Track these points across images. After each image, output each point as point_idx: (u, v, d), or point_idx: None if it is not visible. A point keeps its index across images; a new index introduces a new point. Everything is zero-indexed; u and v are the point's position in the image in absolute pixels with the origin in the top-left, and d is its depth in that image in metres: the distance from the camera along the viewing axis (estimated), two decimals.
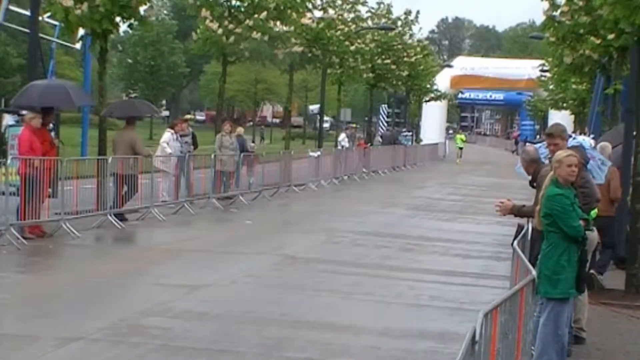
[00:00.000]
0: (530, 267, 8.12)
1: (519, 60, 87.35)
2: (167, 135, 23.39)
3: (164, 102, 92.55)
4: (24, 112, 17.18)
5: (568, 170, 8.34)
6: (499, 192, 33.20)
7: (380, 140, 53.92)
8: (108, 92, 22.47)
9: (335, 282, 13.47)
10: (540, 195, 8.43)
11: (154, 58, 78.35)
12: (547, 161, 9.87)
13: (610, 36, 18.49)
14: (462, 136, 68.57)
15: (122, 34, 65.89)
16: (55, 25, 26.05)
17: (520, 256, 8.74)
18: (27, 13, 22.08)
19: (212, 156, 24.00)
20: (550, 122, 46.78)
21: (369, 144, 47.26)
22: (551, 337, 8.28)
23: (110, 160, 18.87)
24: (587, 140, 12.09)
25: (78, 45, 27.45)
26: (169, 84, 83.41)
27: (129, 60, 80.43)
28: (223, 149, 25.03)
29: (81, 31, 20.78)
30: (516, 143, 78.62)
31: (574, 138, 11.55)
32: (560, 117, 46.05)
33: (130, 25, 21.70)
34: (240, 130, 29.14)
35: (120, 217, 18.94)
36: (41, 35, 22.78)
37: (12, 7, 28.05)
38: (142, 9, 20.50)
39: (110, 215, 18.42)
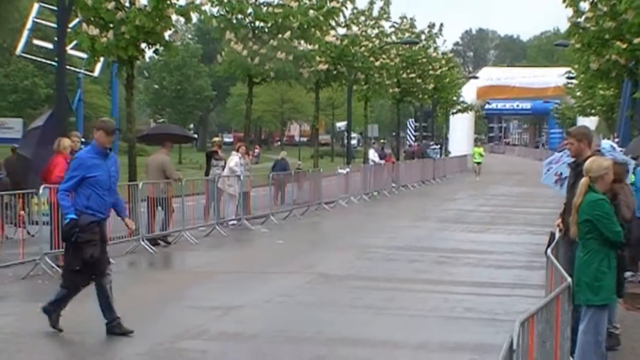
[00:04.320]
0: (566, 274, 8.07)
1: (544, 68, 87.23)
2: (236, 159, 23.83)
3: (191, 125, 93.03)
4: None
5: (611, 177, 8.41)
6: (530, 202, 33.13)
7: (404, 153, 53.88)
8: (136, 119, 22.63)
9: (369, 298, 13.45)
10: (577, 202, 8.38)
11: (180, 82, 78.83)
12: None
13: (636, 40, 18.43)
14: (481, 149, 58.72)
15: (147, 60, 66.51)
16: (81, 58, 26.35)
17: (555, 264, 8.69)
18: (51, 46, 22.35)
19: (241, 178, 24.11)
20: None
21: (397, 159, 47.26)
22: (592, 345, 8.24)
23: (141, 186, 18.98)
24: (607, 143, 12.11)
25: (96, 73, 27.69)
26: (196, 107, 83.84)
27: (156, 86, 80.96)
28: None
29: (102, 61, 20.98)
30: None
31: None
32: (589, 123, 45.82)
33: (155, 51, 21.88)
34: (283, 153, 33.31)
35: (159, 241, 19.18)
36: (68, 66, 23.01)
37: (36, 41, 28.35)
38: (166, 34, 20.67)
39: (143, 240, 18.51)
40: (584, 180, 8.42)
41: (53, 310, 10.72)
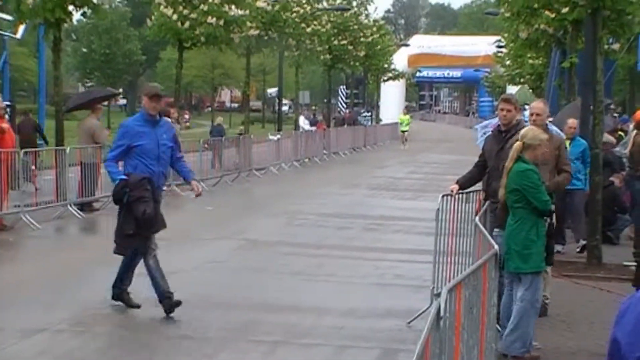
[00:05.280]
0: (493, 241, 8.15)
1: (475, 37, 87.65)
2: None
3: (120, 90, 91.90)
4: None
5: (543, 150, 8.49)
6: (461, 169, 33.33)
7: (334, 120, 53.92)
8: (64, 82, 22.23)
9: (299, 265, 13.47)
10: (508, 166, 8.48)
11: (109, 46, 77.62)
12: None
13: (564, 10, 18.59)
14: (407, 117, 55.94)
15: (75, 22, 65.35)
16: (7, 20, 25.78)
17: (483, 231, 8.77)
18: None
19: None
20: None
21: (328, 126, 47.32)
22: (528, 311, 8.36)
23: (69, 151, 18.70)
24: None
25: (19, 35, 27.10)
26: (126, 72, 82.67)
27: (84, 49, 79.65)
28: None
29: (26, 23, 20.56)
30: None
31: (525, 109, 11.78)
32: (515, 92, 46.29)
33: (83, 14, 21.50)
34: (220, 119, 33.85)
35: (87, 207, 18.95)
36: None
37: None
38: None
39: (71, 206, 18.25)
40: (517, 145, 8.50)
41: (119, 292, 10.43)
